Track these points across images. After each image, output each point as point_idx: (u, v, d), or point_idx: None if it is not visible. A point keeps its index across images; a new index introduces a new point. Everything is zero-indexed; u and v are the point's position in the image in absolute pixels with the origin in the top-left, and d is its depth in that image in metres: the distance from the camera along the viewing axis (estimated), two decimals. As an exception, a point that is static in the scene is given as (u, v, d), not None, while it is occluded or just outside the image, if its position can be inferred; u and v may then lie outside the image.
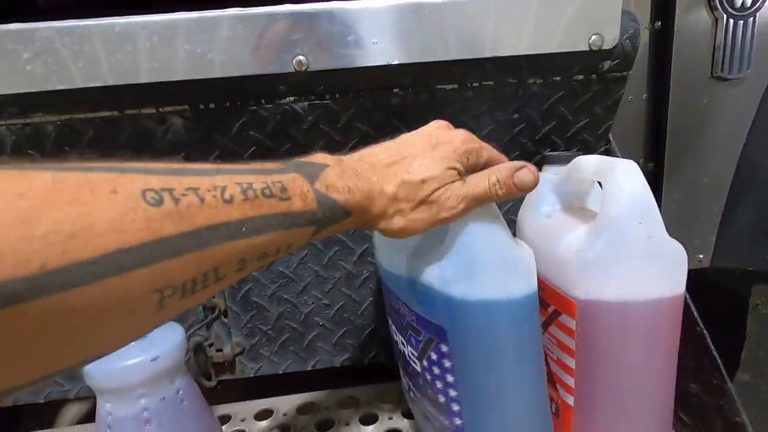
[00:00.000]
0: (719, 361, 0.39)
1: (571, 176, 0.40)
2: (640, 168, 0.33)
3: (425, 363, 0.35)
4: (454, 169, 0.29)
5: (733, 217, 0.68)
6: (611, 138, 0.52)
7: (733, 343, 0.70)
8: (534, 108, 0.47)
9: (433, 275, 0.31)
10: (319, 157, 0.26)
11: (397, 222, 0.29)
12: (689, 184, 0.66)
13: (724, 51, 0.58)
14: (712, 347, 0.40)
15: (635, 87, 0.62)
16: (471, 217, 0.30)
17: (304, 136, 0.45)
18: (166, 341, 0.40)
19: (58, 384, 0.53)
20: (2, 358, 0.13)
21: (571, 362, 0.35)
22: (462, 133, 0.31)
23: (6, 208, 0.12)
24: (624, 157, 0.38)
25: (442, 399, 0.35)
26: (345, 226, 0.27)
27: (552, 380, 0.38)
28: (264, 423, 0.49)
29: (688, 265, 0.35)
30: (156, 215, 0.15)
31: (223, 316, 0.53)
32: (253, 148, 0.46)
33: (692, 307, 0.40)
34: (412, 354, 0.37)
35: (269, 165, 0.23)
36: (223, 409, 0.52)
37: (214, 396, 0.56)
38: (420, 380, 0.37)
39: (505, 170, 0.30)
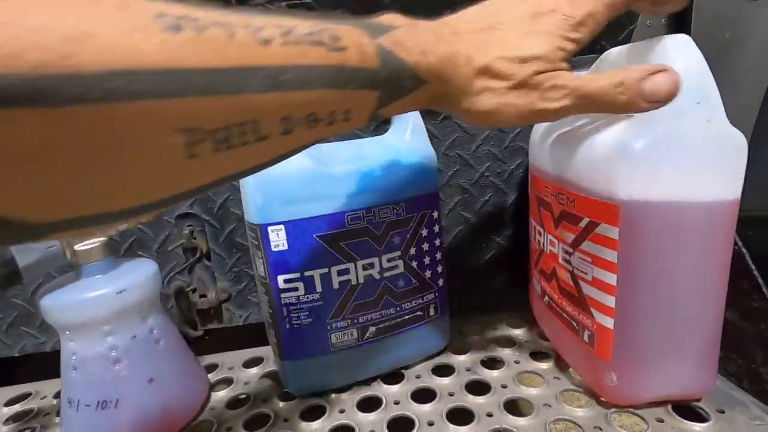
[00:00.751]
0: (761, 281, 0.35)
1: None
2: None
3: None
4: (563, 49, 0.23)
5: (761, 153, 0.62)
6: (632, 49, 0.46)
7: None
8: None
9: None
10: (386, 18, 0.21)
11: (487, 101, 0.23)
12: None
13: (755, -38, 0.51)
14: (753, 266, 0.35)
15: (654, 10, 0.56)
16: None
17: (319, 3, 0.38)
18: (135, 274, 0.36)
19: (32, 336, 0.49)
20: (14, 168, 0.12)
21: (612, 279, 0.31)
22: None
23: None
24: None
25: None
26: (418, 101, 0.22)
27: (585, 305, 0.34)
28: (254, 370, 0.45)
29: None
30: (173, 41, 0.13)
31: (206, 259, 0.49)
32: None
33: (729, 224, 0.36)
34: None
35: (319, 18, 0.19)
36: (209, 359, 0.48)
37: (202, 347, 0.52)
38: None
39: (635, 71, 0.23)
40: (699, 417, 0.33)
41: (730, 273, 0.35)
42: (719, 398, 0.34)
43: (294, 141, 0.18)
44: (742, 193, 0.64)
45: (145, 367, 0.36)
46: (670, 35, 0.29)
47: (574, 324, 0.36)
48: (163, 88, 0.13)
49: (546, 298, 0.41)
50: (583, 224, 0.33)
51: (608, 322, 0.32)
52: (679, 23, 0.57)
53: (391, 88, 0.20)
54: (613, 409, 0.34)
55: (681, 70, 0.28)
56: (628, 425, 0.33)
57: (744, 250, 0.35)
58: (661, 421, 0.32)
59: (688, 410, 0.33)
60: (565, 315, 0.37)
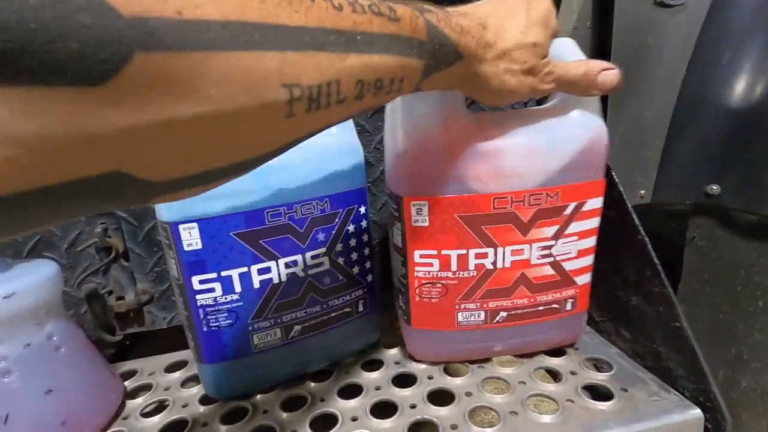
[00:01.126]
0: (660, 267, 0.37)
1: None
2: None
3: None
4: (548, 37, 0.28)
5: (673, 151, 0.67)
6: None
7: (672, 279, 0.71)
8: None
9: None
10: (419, 1, 0.24)
11: (510, 81, 0.28)
12: (634, 118, 0.64)
13: (665, -26, 0.55)
14: (653, 254, 0.38)
15: (580, 14, 0.59)
16: None
17: None
18: (28, 276, 0.33)
19: None
20: (144, 110, 0.12)
21: (593, 241, 0.37)
22: None
23: None
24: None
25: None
26: (453, 78, 0.25)
27: (569, 280, 0.38)
28: (176, 374, 0.43)
29: (630, 202, 0.38)
30: (269, 0, 0.15)
31: (122, 259, 0.46)
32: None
33: (633, 215, 0.38)
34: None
35: None
36: (129, 365, 0.45)
37: (123, 353, 0.49)
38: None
39: (595, 66, 0.30)
40: (605, 396, 0.35)
41: (636, 261, 0.38)
42: (624, 378, 0.37)
43: (360, 106, 0.20)
44: (656, 189, 0.69)
45: (42, 378, 0.33)
46: (559, 39, 0.32)
47: (555, 306, 0.38)
48: (268, 39, 0.14)
49: (500, 315, 0.38)
50: (568, 211, 0.35)
51: (588, 278, 0.39)
52: (602, 28, 0.60)
53: (435, 59, 0.23)
54: (528, 394, 0.35)
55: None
56: (541, 408, 0.34)
57: (646, 239, 0.38)
58: (571, 401, 0.34)
59: (595, 390, 0.36)
60: (539, 309, 0.38)
